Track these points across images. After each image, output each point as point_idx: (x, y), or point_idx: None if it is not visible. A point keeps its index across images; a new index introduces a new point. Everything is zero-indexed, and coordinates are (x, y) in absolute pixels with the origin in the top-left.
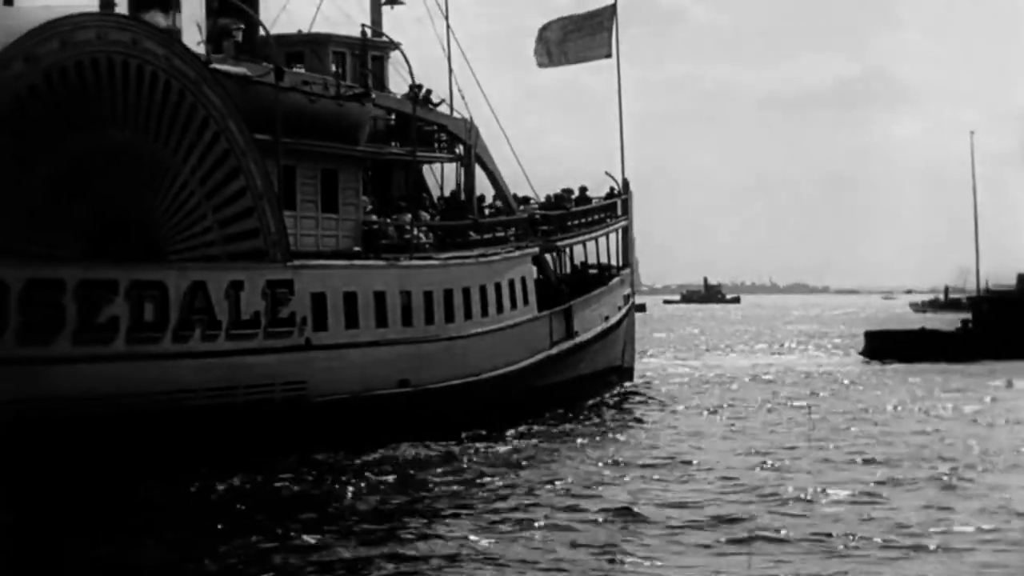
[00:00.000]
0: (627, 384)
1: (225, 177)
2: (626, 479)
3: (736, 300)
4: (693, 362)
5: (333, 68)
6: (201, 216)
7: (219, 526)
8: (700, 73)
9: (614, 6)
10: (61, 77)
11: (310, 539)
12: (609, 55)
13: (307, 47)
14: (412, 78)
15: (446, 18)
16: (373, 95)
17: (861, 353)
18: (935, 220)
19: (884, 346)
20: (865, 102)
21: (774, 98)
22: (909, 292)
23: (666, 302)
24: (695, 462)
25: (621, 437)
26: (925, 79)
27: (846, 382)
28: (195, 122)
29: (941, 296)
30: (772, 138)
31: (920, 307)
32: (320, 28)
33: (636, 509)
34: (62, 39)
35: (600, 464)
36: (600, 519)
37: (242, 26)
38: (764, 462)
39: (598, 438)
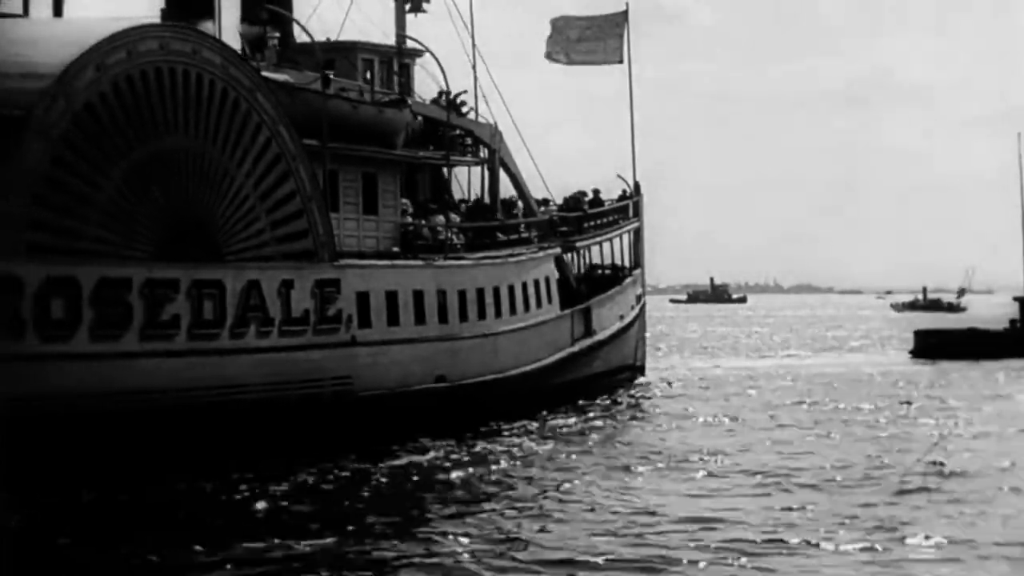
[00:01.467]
0: (639, 381)
1: (277, 181)
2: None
3: (743, 300)
4: (750, 363)
5: (362, 74)
6: (255, 218)
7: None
8: (703, 73)
9: (625, 12)
10: (128, 85)
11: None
12: (621, 60)
13: (337, 54)
14: (447, 85)
15: (472, 29)
16: (409, 101)
17: (911, 352)
18: (936, 220)
19: (934, 345)
20: (868, 102)
21: (777, 98)
22: (889, 292)
23: (672, 301)
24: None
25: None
26: (928, 79)
27: (922, 383)
28: (249, 128)
29: (920, 296)
30: (773, 138)
31: (900, 307)
32: (347, 34)
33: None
34: (128, 49)
35: (665, 469)
36: (634, 519)
37: (278, 34)
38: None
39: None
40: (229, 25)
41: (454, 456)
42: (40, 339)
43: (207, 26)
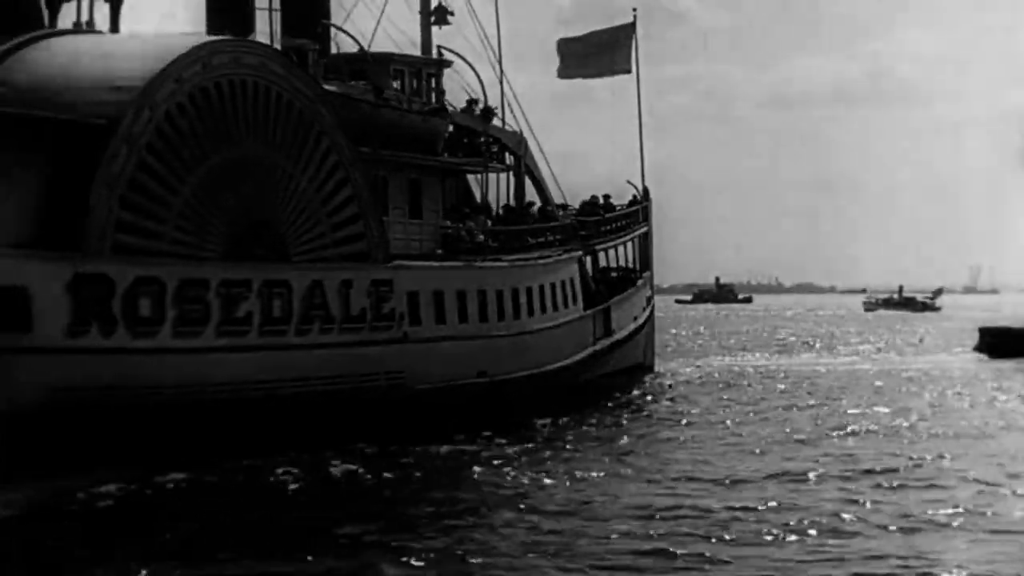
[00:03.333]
0: (647, 378)
1: (336, 186)
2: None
3: (748, 300)
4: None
5: (394, 84)
6: (317, 221)
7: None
8: (704, 73)
9: (633, 24)
10: (203, 96)
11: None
12: (629, 71)
13: (370, 65)
14: (484, 96)
15: (499, 40)
16: (449, 111)
17: (976, 349)
18: (937, 220)
19: (1001, 343)
20: (871, 102)
21: (779, 98)
22: (863, 291)
23: (678, 302)
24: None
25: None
26: (931, 79)
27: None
28: (311, 136)
29: (895, 295)
30: (774, 138)
31: (872, 304)
32: (376, 43)
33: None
34: (203, 63)
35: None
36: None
37: (317, 46)
38: None
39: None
40: (263, 37)
41: (506, 448)
42: (129, 334)
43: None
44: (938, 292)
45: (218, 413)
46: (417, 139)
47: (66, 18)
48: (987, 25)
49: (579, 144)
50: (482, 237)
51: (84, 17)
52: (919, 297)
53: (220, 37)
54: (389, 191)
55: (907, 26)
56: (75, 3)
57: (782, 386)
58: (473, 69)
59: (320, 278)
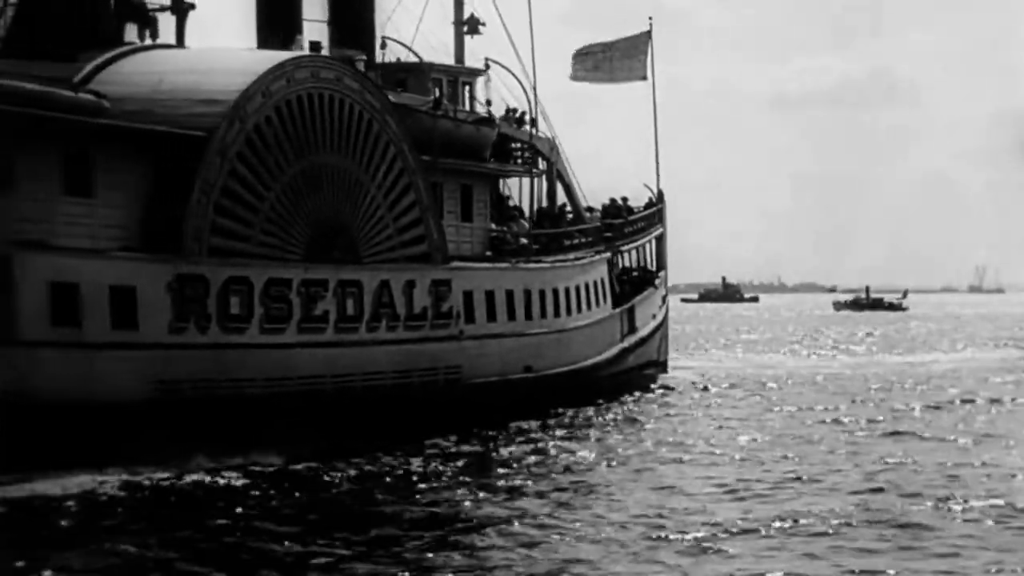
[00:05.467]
0: (662, 376)
1: (401, 192)
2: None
3: (755, 300)
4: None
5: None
6: (385, 225)
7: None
8: (705, 73)
9: (649, 32)
10: (287, 109)
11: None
12: (645, 77)
13: (411, 74)
14: (530, 106)
15: (532, 49)
16: (498, 123)
17: None
18: (938, 219)
19: None
20: (873, 101)
21: (780, 98)
22: (832, 290)
23: (684, 301)
24: None
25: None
26: (930, 78)
27: None
28: (380, 145)
29: (863, 296)
30: (776, 137)
31: (841, 306)
32: (409, 51)
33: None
34: (287, 77)
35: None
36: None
37: (364, 57)
38: None
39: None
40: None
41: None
42: (222, 330)
43: (294, 46)
44: (905, 293)
45: (300, 405)
46: (468, 147)
47: (131, 32)
48: (987, 25)
49: (583, 145)
50: (524, 240)
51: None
52: (886, 298)
53: (302, 53)
54: (443, 196)
55: (910, 25)
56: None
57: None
58: (518, 80)
59: (388, 278)
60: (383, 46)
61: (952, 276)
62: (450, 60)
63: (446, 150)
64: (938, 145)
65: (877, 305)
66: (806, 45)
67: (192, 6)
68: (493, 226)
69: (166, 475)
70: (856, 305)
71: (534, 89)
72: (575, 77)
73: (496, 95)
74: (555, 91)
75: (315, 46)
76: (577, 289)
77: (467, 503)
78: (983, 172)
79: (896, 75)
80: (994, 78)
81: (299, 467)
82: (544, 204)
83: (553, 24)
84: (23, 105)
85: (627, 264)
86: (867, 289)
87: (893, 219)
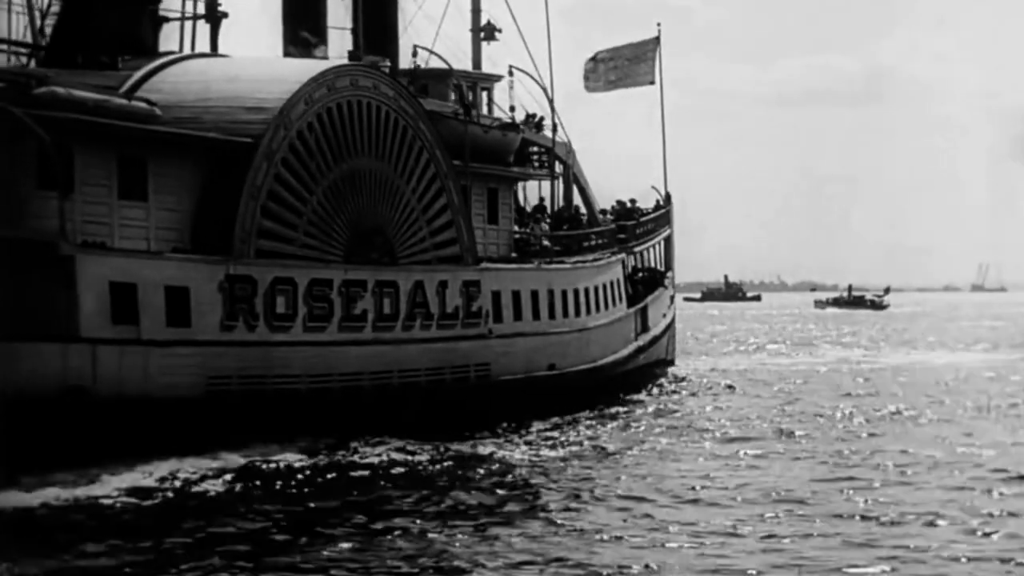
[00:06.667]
0: (670, 372)
1: (434, 195)
2: None
3: (757, 299)
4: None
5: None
6: (419, 227)
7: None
8: (705, 72)
9: (658, 38)
10: (328, 116)
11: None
12: (653, 82)
13: (431, 80)
14: (553, 111)
15: (549, 54)
16: (523, 128)
17: None
18: (940, 219)
19: None
20: (874, 101)
21: (781, 98)
22: (814, 289)
23: (686, 300)
24: None
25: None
26: (931, 77)
27: None
28: (414, 151)
29: (845, 294)
30: (777, 137)
31: (823, 304)
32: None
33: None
34: (328, 86)
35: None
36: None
37: (388, 63)
38: None
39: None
40: (334, 55)
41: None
42: (269, 328)
43: (317, 51)
44: (886, 291)
45: (341, 401)
46: (495, 152)
47: (166, 40)
48: (988, 24)
49: (587, 145)
50: (546, 241)
51: (187, 39)
52: (867, 296)
53: (342, 62)
54: (471, 200)
55: (912, 24)
56: (177, 25)
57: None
58: (540, 85)
59: (422, 279)
60: (414, 54)
61: (954, 275)
62: (467, 65)
63: (475, 155)
64: (940, 143)
65: (859, 303)
66: (806, 45)
67: (225, 14)
68: (516, 228)
69: (218, 466)
70: (838, 303)
71: (552, 93)
72: (589, 88)
73: (516, 101)
74: (557, 91)
75: (354, 55)
76: (596, 289)
77: (522, 493)
78: (986, 170)
79: (899, 74)
80: (994, 78)
81: (340, 459)
82: (561, 206)
83: (554, 23)
84: (82, 113)
85: (636, 264)
86: (849, 287)
87: (894, 218)
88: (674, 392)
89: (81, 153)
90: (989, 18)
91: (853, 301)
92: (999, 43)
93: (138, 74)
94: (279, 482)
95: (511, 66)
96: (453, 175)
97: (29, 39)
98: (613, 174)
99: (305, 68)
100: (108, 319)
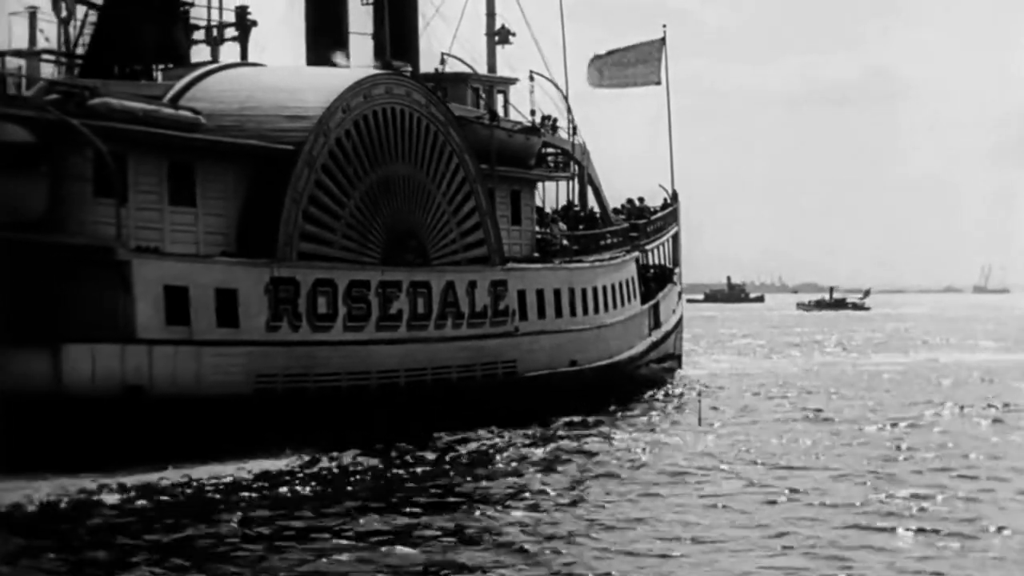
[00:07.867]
0: (680, 370)
1: (463, 199)
2: None
3: (760, 299)
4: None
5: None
6: (449, 229)
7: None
8: (705, 72)
9: (663, 39)
10: (364, 123)
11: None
12: (659, 82)
13: (450, 83)
14: (570, 114)
15: (564, 57)
16: (543, 131)
17: None
18: (940, 219)
19: None
20: (875, 100)
21: (782, 98)
22: (795, 292)
23: (689, 301)
24: None
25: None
26: (932, 76)
27: None
28: (444, 156)
29: (827, 297)
30: (777, 137)
31: (806, 306)
32: (467, 66)
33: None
34: (364, 94)
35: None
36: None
37: (410, 68)
38: None
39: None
40: (356, 61)
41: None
42: (311, 328)
43: (339, 60)
44: (867, 293)
45: (379, 398)
46: (518, 155)
47: (202, 50)
48: (988, 24)
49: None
50: (565, 241)
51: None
52: (849, 298)
53: (376, 71)
54: (496, 202)
55: (913, 23)
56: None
57: None
58: (558, 88)
59: (453, 279)
60: (442, 62)
61: (955, 276)
62: (483, 69)
63: (499, 158)
64: (942, 144)
65: (840, 305)
66: (807, 45)
67: (255, 23)
68: (538, 228)
69: (268, 463)
70: (820, 305)
71: (567, 97)
72: (594, 84)
73: (534, 104)
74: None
75: (387, 64)
76: (613, 287)
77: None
78: (988, 171)
79: (901, 75)
80: (993, 78)
81: (382, 453)
82: (576, 206)
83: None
84: (134, 123)
85: (645, 262)
86: (831, 290)
87: (896, 219)
88: (688, 388)
89: (134, 161)
90: (989, 18)
91: (835, 303)
92: (999, 43)
93: (180, 83)
94: (347, 477)
95: (532, 71)
96: (480, 178)
97: (57, 48)
98: (615, 174)
99: (342, 77)
100: (163, 321)
